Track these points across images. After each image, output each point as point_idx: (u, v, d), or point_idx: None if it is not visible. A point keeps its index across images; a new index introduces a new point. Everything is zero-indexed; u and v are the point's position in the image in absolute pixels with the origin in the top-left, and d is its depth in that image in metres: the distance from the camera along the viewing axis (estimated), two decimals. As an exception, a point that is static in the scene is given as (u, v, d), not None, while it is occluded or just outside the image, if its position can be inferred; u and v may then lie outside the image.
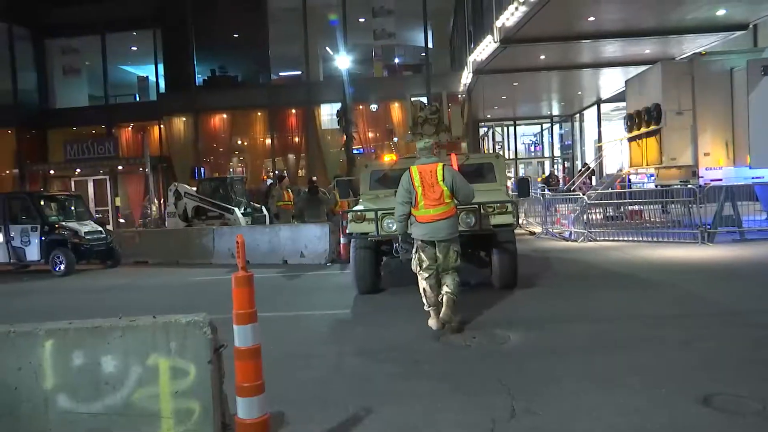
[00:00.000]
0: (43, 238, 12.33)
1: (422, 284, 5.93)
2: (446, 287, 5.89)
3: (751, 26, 14.85)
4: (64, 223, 12.66)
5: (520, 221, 17.14)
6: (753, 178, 12.93)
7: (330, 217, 13.14)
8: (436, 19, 25.81)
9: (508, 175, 29.52)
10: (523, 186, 10.48)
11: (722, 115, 13.84)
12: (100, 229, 13.10)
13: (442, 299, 5.87)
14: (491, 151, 23.61)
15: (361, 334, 6.08)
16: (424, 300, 5.94)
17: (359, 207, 8.05)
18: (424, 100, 24.01)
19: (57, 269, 12.17)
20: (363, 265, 7.81)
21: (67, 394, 3.03)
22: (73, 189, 23.86)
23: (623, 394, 4.03)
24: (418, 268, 5.94)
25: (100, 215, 20.83)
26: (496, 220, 7.17)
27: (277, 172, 24.73)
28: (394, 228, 6.52)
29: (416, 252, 5.94)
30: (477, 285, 8.20)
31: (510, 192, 10.43)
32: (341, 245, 11.85)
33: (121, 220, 24.13)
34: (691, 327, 5.66)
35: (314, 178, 14.73)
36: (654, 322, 5.90)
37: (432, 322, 5.87)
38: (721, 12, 13.47)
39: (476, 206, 6.92)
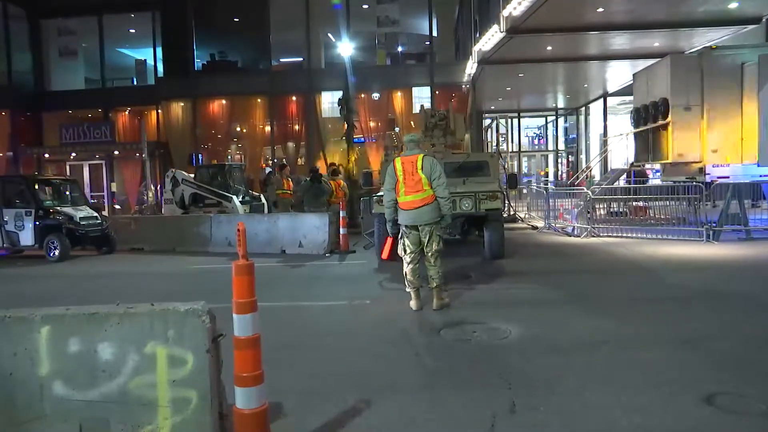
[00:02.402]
0: (37, 223, 12.31)
1: (406, 268, 6.54)
2: (432, 280, 6.50)
3: (763, 20, 14.77)
4: (59, 208, 12.64)
5: (523, 215, 17.25)
6: (761, 176, 12.92)
7: (329, 206, 13.13)
8: (442, 7, 25.71)
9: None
10: (512, 180, 13.47)
11: (731, 111, 13.80)
12: (95, 214, 13.08)
13: (432, 290, 6.54)
14: (495, 144, 23.65)
15: (360, 326, 6.09)
16: (407, 282, 6.55)
17: (381, 193, 9.85)
18: (427, 88, 24.09)
19: (51, 255, 12.17)
20: (384, 237, 9.76)
21: (62, 381, 3.03)
22: (68, 173, 23.85)
23: (625, 391, 4.04)
24: (403, 253, 6.58)
25: (96, 201, 20.81)
26: (487, 205, 9.30)
27: (275, 160, 24.71)
28: (386, 213, 7.02)
29: (401, 238, 6.59)
30: (473, 271, 8.24)
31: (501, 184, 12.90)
32: (341, 236, 11.88)
33: (117, 206, 24.13)
34: (694, 325, 5.68)
35: (318, 167, 14.72)
36: (657, 319, 5.91)
37: (413, 303, 6.53)
38: (733, 5, 13.39)
39: (473, 194, 9.21)
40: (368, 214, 14.26)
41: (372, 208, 10.26)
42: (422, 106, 13.03)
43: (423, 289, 6.63)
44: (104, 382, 3.02)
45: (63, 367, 3.03)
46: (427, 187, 6.33)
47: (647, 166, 18.64)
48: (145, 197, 22.33)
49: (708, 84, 13.91)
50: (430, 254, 6.47)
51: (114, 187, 24.76)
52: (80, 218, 12.52)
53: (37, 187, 13.02)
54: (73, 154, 24.87)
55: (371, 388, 4.27)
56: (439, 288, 6.48)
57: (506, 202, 15.89)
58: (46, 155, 25.58)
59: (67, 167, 25.03)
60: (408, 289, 6.57)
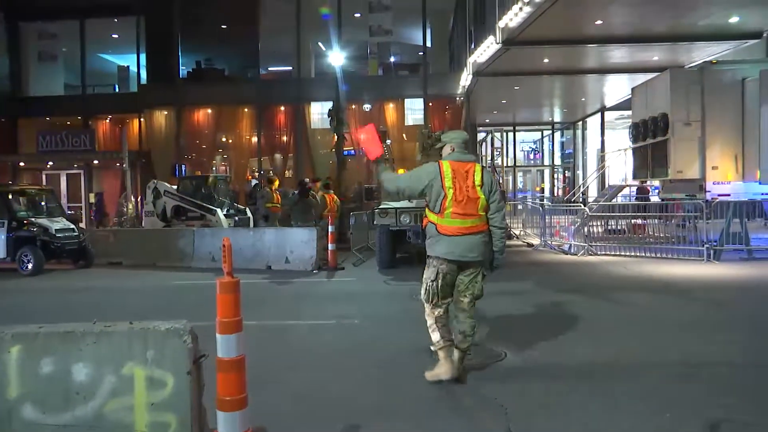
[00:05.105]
0: (10, 235, 12.16)
1: (433, 318, 4.76)
2: (466, 338, 4.82)
3: (764, 35, 15.01)
4: (33, 219, 12.50)
5: (518, 232, 17.30)
6: (762, 194, 13.04)
7: (318, 221, 13.10)
8: (436, 17, 25.91)
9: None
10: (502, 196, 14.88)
11: (732, 128, 13.93)
12: (72, 226, 12.96)
13: (456, 350, 4.81)
14: (489, 159, 23.75)
15: (349, 347, 6.03)
16: (435, 338, 4.74)
17: (383, 206, 11.30)
18: (420, 100, 24.19)
19: (24, 268, 12.00)
20: (384, 247, 11.26)
21: (33, 404, 2.96)
22: (44, 183, 23.64)
23: (628, 417, 4.01)
24: (435, 298, 4.72)
25: (73, 212, 20.64)
26: None
27: (262, 171, 24.66)
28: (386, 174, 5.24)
29: (435, 278, 4.71)
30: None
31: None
32: (329, 251, 11.83)
33: (95, 218, 23.92)
34: (697, 349, 5.67)
35: (306, 180, 14.69)
36: (658, 342, 5.90)
37: (444, 370, 4.66)
38: (734, 19, 13.60)
39: None
40: (357, 230, 14.27)
41: (373, 220, 11.08)
42: (420, 127, 14.07)
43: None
44: (78, 405, 2.96)
45: (34, 389, 2.96)
46: (482, 212, 4.70)
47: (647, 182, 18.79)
48: (125, 209, 22.16)
49: (708, 99, 14.03)
50: (468, 300, 4.81)
51: (92, 197, 24.56)
52: (56, 230, 12.38)
53: (10, 196, 12.87)
54: (50, 163, 24.69)
55: (361, 412, 4.21)
56: (467, 350, 4.89)
57: None
58: (22, 163, 25.37)
59: (44, 176, 24.84)
60: (436, 347, 4.75)
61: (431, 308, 4.76)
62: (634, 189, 20.23)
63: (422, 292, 4.80)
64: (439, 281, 4.70)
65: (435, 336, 4.73)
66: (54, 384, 2.96)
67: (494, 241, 4.82)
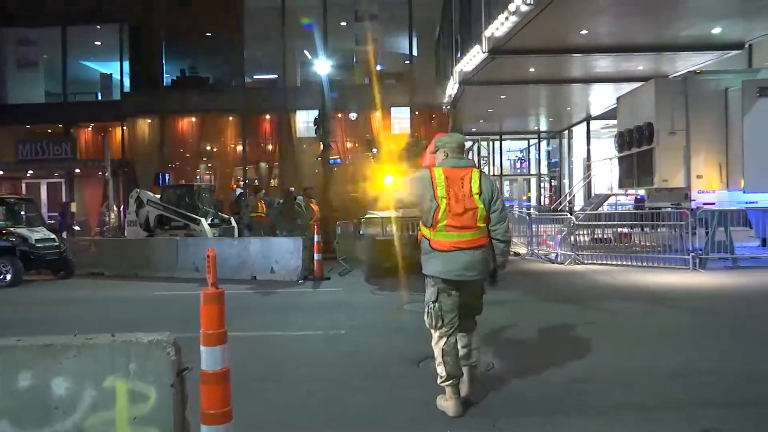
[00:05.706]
0: (-12, 245, 12.00)
1: (440, 347, 4.30)
2: (473, 352, 4.47)
3: (746, 46, 15.27)
4: (12, 229, 12.34)
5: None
6: (746, 202, 13.21)
7: (304, 231, 13.08)
8: (422, 26, 26.08)
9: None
10: None
11: (716, 137, 14.12)
12: (52, 236, 12.82)
13: (466, 368, 4.44)
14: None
15: (336, 357, 5.99)
16: (442, 371, 4.28)
17: (369, 215, 11.41)
18: (407, 109, 24.28)
19: (2, 279, 11.82)
20: (371, 257, 11.26)
21: (10, 420, 2.89)
22: (24, 192, 23.37)
23: (617, 427, 4.02)
24: (440, 322, 4.26)
25: (53, 221, 20.39)
26: None
27: (247, 180, 24.57)
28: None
29: (436, 299, 4.28)
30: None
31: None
32: (315, 261, 11.78)
33: (76, 228, 23.66)
34: (683, 357, 5.70)
35: (292, 189, 14.66)
36: (645, 352, 5.93)
37: (450, 404, 4.24)
38: (716, 30, 13.82)
39: None
40: (344, 239, 14.23)
41: (359, 229, 11.16)
42: (408, 136, 14.50)
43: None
44: (57, 420, 2.89)
45: (11, 404, 2.89)
46: (482, 223, 4.23)
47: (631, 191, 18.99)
48: (107, 218, 21.97)
49: (692, 109, 14.22)
50: (468, 323, 4.47)
51: (74, 207, 24.29)
52: (36, 240, 12.24)
53: (-12, 206, 12.72)
54: (30, 172, 24.42)
55: (349, 423, 4.19)
56: (476, 366, 4.57)
57: None
58: (0, 173, 25.07)
59: (23, 185, 24.57)
60: (443, 382, 4.28)
61: (438, 336, 4.31)
62: (631, 198, 20.44)
63: (425, 317, 4.34)
64: (440, 302, 4.27)
65: (440, 370, 4.28)
66: (32, 399, 2.89)
67: (495, 255, 4.39)
